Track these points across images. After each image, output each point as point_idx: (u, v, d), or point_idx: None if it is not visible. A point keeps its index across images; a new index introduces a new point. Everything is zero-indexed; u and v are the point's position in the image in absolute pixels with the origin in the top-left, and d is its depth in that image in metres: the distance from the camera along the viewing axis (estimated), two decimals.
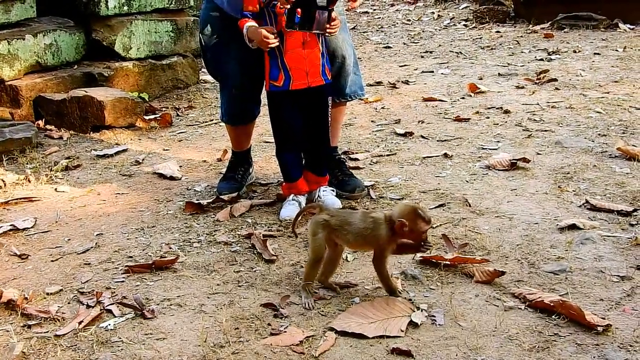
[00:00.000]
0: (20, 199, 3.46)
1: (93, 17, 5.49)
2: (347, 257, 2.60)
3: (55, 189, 3.61)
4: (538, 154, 3.65)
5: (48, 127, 4.77)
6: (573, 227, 2.73)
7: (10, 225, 3.09)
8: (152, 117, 5.02)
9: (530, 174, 3.37)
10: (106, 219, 3.17)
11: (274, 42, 2.78)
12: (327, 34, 2.87)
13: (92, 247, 2.86)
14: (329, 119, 3.07)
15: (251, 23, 2.84)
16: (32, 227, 3.11)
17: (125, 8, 5.63)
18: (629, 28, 7.25)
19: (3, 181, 3.67)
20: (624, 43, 6.51)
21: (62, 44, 5.31)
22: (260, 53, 2.94)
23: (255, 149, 3.90)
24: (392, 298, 2.26)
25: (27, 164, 4.04)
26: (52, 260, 2.76)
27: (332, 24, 2.82)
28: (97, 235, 2.99)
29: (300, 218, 2.62)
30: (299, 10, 2.71)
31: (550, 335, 2.04)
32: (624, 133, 3.88)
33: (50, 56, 5.23)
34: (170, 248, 2.79)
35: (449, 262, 2.49)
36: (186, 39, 6.12)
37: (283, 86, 2.91)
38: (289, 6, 2.72)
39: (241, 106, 3.28)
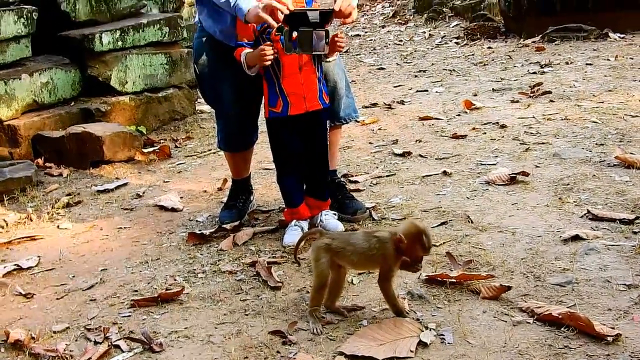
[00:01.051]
0: (23, 238, 3.46)
1: (88, 54, 5.54)
2: (352, 280, 2.60)
3: (58, 227, 3.62)
4: (537, 166, 3.66)
5: (47, 164, 4.78)
6: (576, 238, 2.73)
7: (14, 264, 3.09)
8: (150, 149, 5.04)
9: (530, 187, 3.38)
10: (110, 254, 3.17)
11: (271, 52, 2.78)
12: (326, 57, 2.90)
13: (97, 283, 2.86)
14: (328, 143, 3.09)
15: (248, 50, 2.86)
16: (36, 266, 3.11)
17: (120, 43, 5.68)
18: (619, 37, 7.31)
19: (5, 221, 3.67)
20: (615, 52, 6.56)
21: (58, 81, 5.35)
22: (256, 79, 2.96)
23: (255, 176, 3.91)
24: (399, 319, 2.25)
25: (28, 202, 4.05)
26: (57, 298, 2.76)
27: (338, 39, 2.84)
28: (101, 270, 2.99)
29: (302, 244, 2.62)
30: (295, 33, 2.73)
31: (561, 348, 2.04)
32: (621, 141, 3.90)
33: (47, 94, 5.26)
34: (175, 280, 2.78)
35: (454, 280, 2.48)
36: (181, 70, 6.16)
37: (282, 112, 2.93)
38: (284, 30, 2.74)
39: (238, 133, 3.30)
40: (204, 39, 3.21)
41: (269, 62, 2.81)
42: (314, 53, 2.82)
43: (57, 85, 5.34)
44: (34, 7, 5.36)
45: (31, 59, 5.42)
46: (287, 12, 2.66)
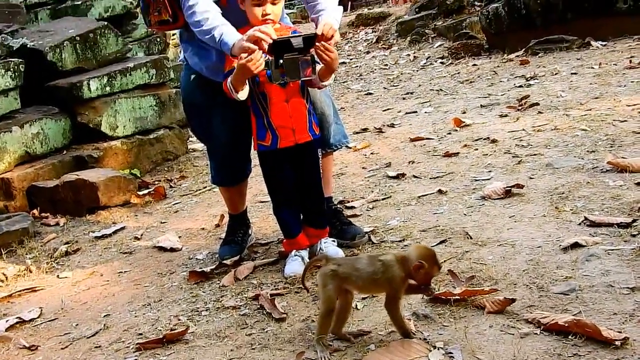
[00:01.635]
0: (24, 290, 3.45)
1: (77, 102, 5.58)
2: (356, 305, 2.58)
3: (58, 276, 3.61)
4: (531, 178, 3.68)
5: (43, 215, 4.78)
6: (576, 245, 2.73)
7: (17, 317, 3.07)
8: (145, 191, 5.05)
9: (526, 199, 3.39)
10: (112, 299, 3.16)
11: (260, 55, 2.73)
12: (322, 81, 2.90)
13: (100, 329, 2.84)
14: (321, 171, 3.09)
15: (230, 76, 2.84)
16: (38, 317, 3.09)
17: (108, 88, 5.73)
18: (601, 45, 7.39)
19: (4, 275, 3.66)
20: (599, 60, 6.62)
21: (49, 131, 5.38)
22: (246, 111, 2.97)
23: (252, 209, 3.91)
24: (407, 340, 2.24)
25: (26, 254, 4.04)
26: (62, 348, 2.74)
27: (321, 48, 2.79)
28: (104, 316, 2.97)
29: (307, 272, 2.62)
30: (281, 62, 2.74)
31: (570, 356, 2.03)
32: (611, 147, 3.92)
33: (39, 145, 5.28)
34: (179, 320, 2.77)
35: (458, 297, 2.48)
36: (170, 111, 6.21)
37: (271, 145, 2.93)
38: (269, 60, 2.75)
39: (231, 166, 3.31)
40: (191, 76, 3.24)
41: (262, 68, 2.74)
42: (301, 79, 2.82)
43: (48, 135, 5.37)
44: (20, 60, 5.41)
45: (21, 110, 5.47)
46: (270, 41, 2.68)
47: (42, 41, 5.93)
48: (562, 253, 2.71)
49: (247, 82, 2.83)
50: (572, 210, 3.13)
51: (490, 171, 3.95)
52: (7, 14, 6.61)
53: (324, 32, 2.78)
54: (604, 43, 7.42)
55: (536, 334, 2.18)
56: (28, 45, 5.83)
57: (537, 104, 5.32)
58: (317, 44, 2.77)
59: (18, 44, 5.84)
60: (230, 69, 2.83)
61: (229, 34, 2.80)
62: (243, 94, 2.84)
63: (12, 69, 5.28)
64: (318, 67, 2.88)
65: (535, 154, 4.08)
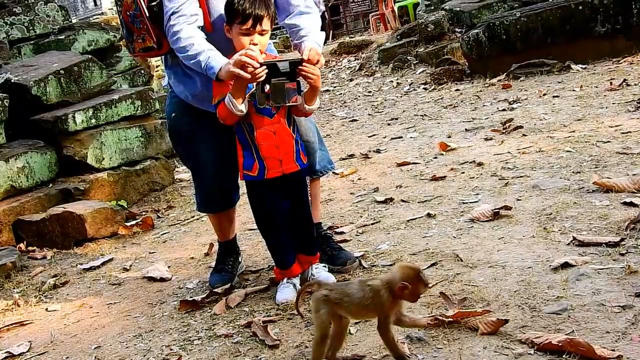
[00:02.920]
0: (12, 324, 3.40)
1: (62, 135, 5.57)
2: (350, 330, 2.58)
3: (46, 309, 3.57)
4: (518, 200, 3.71)
5: (30, 248, 4.74)
6: (566, 265, 2.75)
7: (5, 352, 3.03)
8: (133, 222, 5.02)
9: (514, 221, 3.41)
10: (102, 331, 3.13)
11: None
12: (307, 104, 2.90)
13: None
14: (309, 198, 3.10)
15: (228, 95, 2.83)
16: (27, 351, 3.05)
17: (93, 121, 5.72)
18: (581, 68, 7.50)
19: None
20: (580, 82, 6.72)
21: (34, 165, 5.35)
22: (233, 139, 2.97)
23: (241, 237, 3.90)
24: None
25: (14, 288, 4.00)
26: None
27: (305, 69, 2.78)
28: (95, 348, 2.94)
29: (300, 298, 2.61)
30: (267, 87, 2.75)
31: None
32: (596, 167, 3.97)
33: (24, 178, 5.25)
34: (172, 349, 2.75)
35: (451, 319, 2.48)
36: (156, 141, 6.21)
37: (258, 176, 2.91)
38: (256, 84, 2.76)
39: (218, 193, 3.30)
40: (176, 103, 3.25)
41: (260, 72, 2.71)
42: (287, 104, 2.82)
43: (33, 169, 5.34)
44: (4, 95, 5.41)
45: (6, 145, 5.44)
46: (257, 65, 2.69)
47: (26, 75, 5.92)
48: (552, 273, 2.73)
49: (245, 95, 2.81)
50: (561, 230, 3.16)
51: (477, 194, 3.98)
52: None
53: (310, 57, 2.80)
54: (584, 66, 7.53)
55: (530, 354, 2.18)
56: (12, 80, 5.82)
57: (521, 126, 5.38)
58: (301, 65, 2.79)
59: (2, 79, 5.83)
60: (220, 98, 2.84)
61: (214, 58, 2.81)
62: (244, 107, 2.81)
63: None
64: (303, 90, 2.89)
65: (521, 176, 4.11)
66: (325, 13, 20.34)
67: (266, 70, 2.71)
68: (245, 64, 2.67)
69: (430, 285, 2.27)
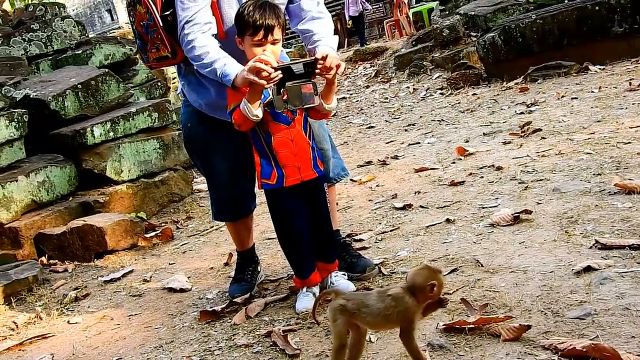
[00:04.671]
0: (35, 337, 3.42)
1: (81, 148, 5.61)
2: (370, 338, 2.56)
3: (68, 322, 3.59)
4: (538, 203, 3.67)
5: (51, 262, 4.78)
6: (589, 269, 2.71)
7: None
8: (153, 234, 5.04)
9: (535, 225, 3.37)
10: (123, 343, 3.14)
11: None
12: (326, 103, 2.87)
13: None
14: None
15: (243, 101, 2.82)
16: None
17: (111, 134, 5.76)
18: (599, 69, 7.44)
19: (15, 323, 3.64)
20: (598, 83, 6.66)
21: (54, 179, 5.40)
22: (248, 148, 2.97)
23: (259, 247, 3.90)
24: None
25: (36, 301, 4.02)
26: None
27: (321, 66, 2.75)
28: None
29: (318, 306, 2.60)
30: (283, 91, 2.74)
31: None
32: (617, 169, 3.92)
33: (45, 192, 5.30)
34: None
35: (473, 325, 2.45)
36: (174, 153, 6.24)
37: (276, 184, 2.90)
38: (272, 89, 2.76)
39: (233, 202, 3.30)
40: (191, 112, 3.25)
41: (275, 75, 2.68)
42: (304, 106, 2.80)
43: (53, 183, 5.39)
44: (24, 110, 5.46)
45: (26, 160, 5.50)
46: (271, 70, 2.68)
47: (44, 91, 5.99)
48: (575, 277, 2.69)
49: (260, 100, 2.79)
50: (583, 234, 3.11)
51: (497, 198, 3.95)
52: (8, 67, 6.69)
53: (327, 62, 2.76)
54: (602, 67, 7.47)
55: None
56: (31, 96, 5.89)
57: (540, 129, 5.34)
58: (316, 65, 2.76)
59: (21, 95, 5.91)
60: (235, 104, 2.83)
61: (230, 66, 2.80)
62: (260, 112, 2.79)
63: (15, 120, 5.32)
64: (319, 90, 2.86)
65: (541, 179, 4.07)
66: (364, 13, 20.41)
67: (281, 75, 2.70)
68: (259, 69, 2.66)
69: (444, 282, 2.23)
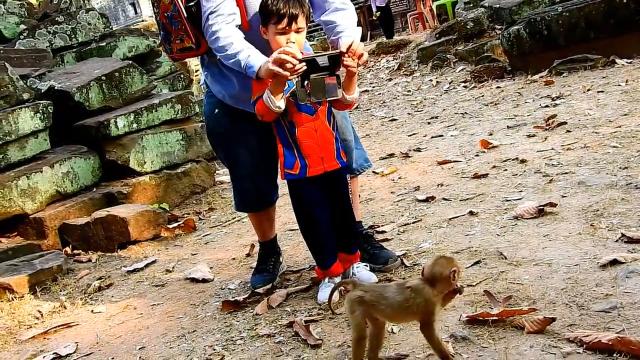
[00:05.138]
0: (59, 326, 3.45)
1: (105, 139, 5.65)
2: (392, 329, 2.55)
3: (92, 311, 3.62)
4: (563, 196, 3.63)
5: (75, 252, 4.82)
6: (614, 262, 2.67)
7: (53, 353, 3.07)
8: (175, 225, 5.07)
9: (559, 218, 3.34)
10: (146, 332, 3.16)
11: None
12: (347, 94, 2.85)
13: None
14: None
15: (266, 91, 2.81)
16: (74, 352, 3.09)
17: (135, 125, 5.80)
18: (626, 62, 7.33)
19: (40, 312, 3.68)
20: (625, 77, 6.56)
21: (78, 170, 5.44)
22: (271, 139, 2.97)
23: (281, 238, 3.90)
24: None
25: (60, 291, 4.06)
26: None
27: (346, 60, 2.74)
28: (139, 349, 2.96)
29: (337, 296, 2.59)
30: (307, 83, 2.73)
31: None
32: None
33: (69, 183, 5.35)
34: (215, 349, 2.75)
35: (496, 318, 2.43)
36: (197, 144, 6.26)
37: (299, 174, 2.90)
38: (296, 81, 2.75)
39: (255, 193, 3.30)
40: (214, 103, 3.25)
41: (299, 66, 2.67)
42: (328, 99, 2.78)
43: (77, 174, 5.43)
44: (49, 102, 5.51)
45: (50, 151, 5.55)
46: (295, 62, 2.66)
47: (69, 82, 6.04)
48: (600, 270, 2.66)
49: (283, 91, 2.79)
50: (608, 227, 3.07)
51: (521, 191, 3.91)
52: (34, 59, 6.75)
53: (353, 49, 2.75)
54: (629, 60, 7.36)
55: (579, 352, 2.12)
56: (56, 87, 5.94)
57: (565, 122, 5.28)
58: (344, 58, 2.74)
59: (46, 87, 5.96)
60: (259, 95, 2.83)
61: (254, 57, 2.79)
62: (282, 103, 2.79)
63: (40, 111, 5.37)
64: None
65: (566, 173, 4.02)
66: (389, 4, 20.13)
67: (305, 67, 2.69)
68: (284, 61, 2.65)
69: (459, 270, 2.21)
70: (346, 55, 2.73)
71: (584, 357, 2.09)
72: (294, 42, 2.80)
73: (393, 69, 12.63)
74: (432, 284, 2.16)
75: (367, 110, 9.19)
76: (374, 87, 11.51)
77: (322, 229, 2.98)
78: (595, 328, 2.24)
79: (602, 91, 6.21)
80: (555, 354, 2.14)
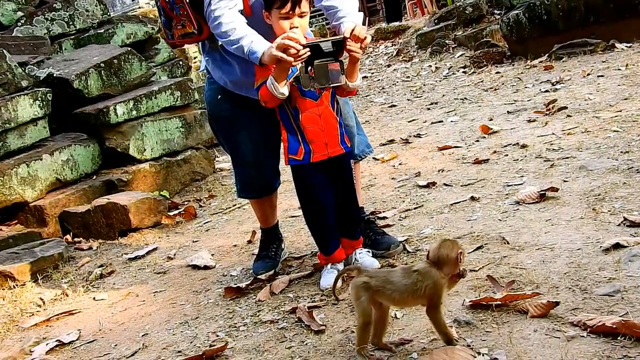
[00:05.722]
0: (61, 313, 3.45)
1: (104, 127, 5.64)
2: (395, 314, 2.55)
3: (94, 298, 3.62)
4: (565, 181, 3.62)
5: (76, 239, 4.82)
6: (617, 246, 2.67)
7: (56, 341, 3.07)
8: (176, 212, 5.07)
9: (561, 202, 3.33)
10: (149, 319, 3.16)
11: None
12: (349, 81, 2.84)
13: (139, 349, 2.83)
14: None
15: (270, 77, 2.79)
16: (77, 340, 3.09)
17: (134, 112, 5.78)
18: (625, 47, 7.30)
19: (42, 299, 3.68)
20: (625, 61, 6.54)
21: (78, 157, 5.43)
22: (273, 126, 2.96)
23: (283, 224, 3.90)
24: (450, 347, 2.20)
25: (62, 278, 4.06)
26: None
27: (349, 44, 2.73)
28: (142, 336, 2.97)
29: (340, 282, 2.59)
30: (310, 69, 2.72)
31: (620, 358, 1.97)
32: None
33: (69, 171, 5.33)
34: (218, 336, 2.75)
35: (500, 302, 2.43)
36: (196, 131, 6.24)
37: (304, 160, 2.89)
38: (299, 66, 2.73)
39: (258, 179, 3.29)
40: (216, 89, 3.24)
41: (303, 52, 2.66)
42: (331, 85, 2.77)
43: (77, 161, 5.42)
44: (48, 89, 5.48)
45: (50, 139, 5.53)
46: (299, 47, 2.65)
47: (67, 70, 6.01)
48: (603, 254, 2.66)
49: (287, 78, 2.78)
50: (610, 211, 3.07)
51: (522, 176, 3.90)
52: (32, 46, 6.71)
53: (356, 33, 2.74)
54: (628, 45, 7.33)
55: (583, 336, 2.13)
56: (54, 75, 5.91)
57: (565, 107, 5.27)
58: (347, 43, 2.73)
59: (44, 74, 5.93)
60: (262, 81, 2.82)
61: (257, 43, 2.77)
62: (286, 90, 2.79)
63: (39, 99, 5.34)
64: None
65: (567, 157, 4.02)
66: None
67: (309, 52, 2.68)
68: (287, 46, 2.64)
69: (464, 252, 2.22)
70: (349, 40, 2.72)
71: (588, 341, 2.10)
72: (297, 27, 2.79)
73: (392, 55, 12.57)
74: (438, 267, 2.16)
75: (367, 96, 9.16)
76: (372, 73, 11.47)
77: (326, 214, 2.98)
78: (598, 312, 2.25)
79: (602, 75, 6.19)
80: (559, 337, 2.15)
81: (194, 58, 11.29)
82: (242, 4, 2.92)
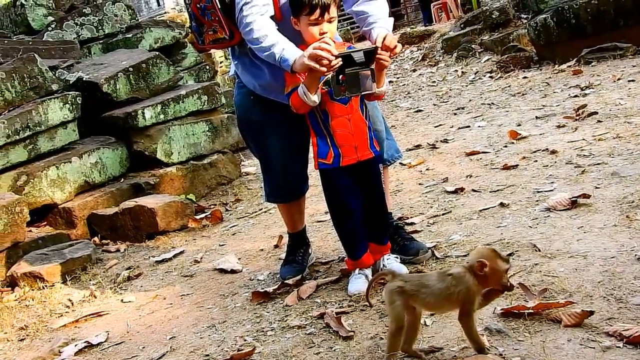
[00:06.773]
0: (90, 315, 3.48)
1: (132, 130, 5.68)
2: (425, 321, 2.52)
3: (122, 300, 3.63)
4: (597, 187, 3.57)
5: (104, 242, 4.85)
6: None
7: (84, 342, 3.09)
8: (202, 216, 5.08)
9: (593, 209, 3.28)
10: (176, 322, 3.16)
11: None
12: (377, 87, 2.83)
13: (167, 352, 2.83)
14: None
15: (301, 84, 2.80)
16: (105, 341, 3.10)
17: (162, 116, 5.81)
18: None
19: (70, 300, 3.71)
20: None
21: (106, 160, 5.47)
22: (303, 130, 2.95)
23: (310, 229, 3.88)
24: (481, 356, 2.17)
25: (90, 280, 4.09)
26: None
27: (380, 54, 2.75)
28: (170, 339, 2.97)
29: (371, 288, 2.56)
30: (342, 76, 2.71)
31: None
32: None
33: (97, 174, 5.38)
34: (245, 340, 2.75)
35: (532, 311, 2.39)
36: (223, 135, 6.26)
37: (333, 163, 2.88)
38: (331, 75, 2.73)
39: (286, 184, 3.29)
40: (245, 93, 3.24)
41: (335, 62, 2.66)
42: (362, 93, 2.77)
43: (106, 164, 5.46)
44: (77, 93, 5.54)
45: (79, 142, 5.58)
46: (332, 57, 2.64)
47: (97, 74, 6.07)
48: (638, 263, 2.60)
49: (319, 85, 2.78)
50: None
51: (552, 182, 3.85)
52: (62, 50, 6.79)
53: (387, 43, 2.75)
54: None
55: (619, 347, 2.08)
56: (84, 78, 5.97)
57: (596, 112, 5.19)
58: (379, 53, 2.73)
59: (74, 78, 5.99)
60: (293, 87, 2.82)
61: (288, 50, 2.77)
62: (317, 97, 2.78)
63: (69, 102, 5.40)
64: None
65: (599, 163, 3.96)
66: None
67: (341, 62, 2.67)
68: (320, 57, 2.64)
69: (509, 262, 2.18)
70: (380, 49, 2.71)
71: (624, 352, 2.05)
72: (326, 32, 2.78)
73: (417, 59, 12.53)
74: (472, 274, 2.13)
75: (392, 101, 9.13)
76: (398, 78, 11.44)
77: (354, 219, 2.96)
78: (634, 322, 2.20)
79: (632, 80, 6.10)
80: (594, 347, 2.11)
81: (220, 62, 11.35)
82: (272, 10, 2.92)
